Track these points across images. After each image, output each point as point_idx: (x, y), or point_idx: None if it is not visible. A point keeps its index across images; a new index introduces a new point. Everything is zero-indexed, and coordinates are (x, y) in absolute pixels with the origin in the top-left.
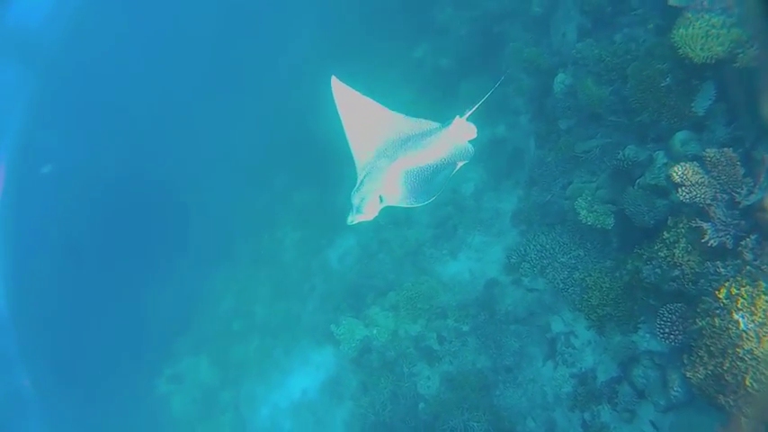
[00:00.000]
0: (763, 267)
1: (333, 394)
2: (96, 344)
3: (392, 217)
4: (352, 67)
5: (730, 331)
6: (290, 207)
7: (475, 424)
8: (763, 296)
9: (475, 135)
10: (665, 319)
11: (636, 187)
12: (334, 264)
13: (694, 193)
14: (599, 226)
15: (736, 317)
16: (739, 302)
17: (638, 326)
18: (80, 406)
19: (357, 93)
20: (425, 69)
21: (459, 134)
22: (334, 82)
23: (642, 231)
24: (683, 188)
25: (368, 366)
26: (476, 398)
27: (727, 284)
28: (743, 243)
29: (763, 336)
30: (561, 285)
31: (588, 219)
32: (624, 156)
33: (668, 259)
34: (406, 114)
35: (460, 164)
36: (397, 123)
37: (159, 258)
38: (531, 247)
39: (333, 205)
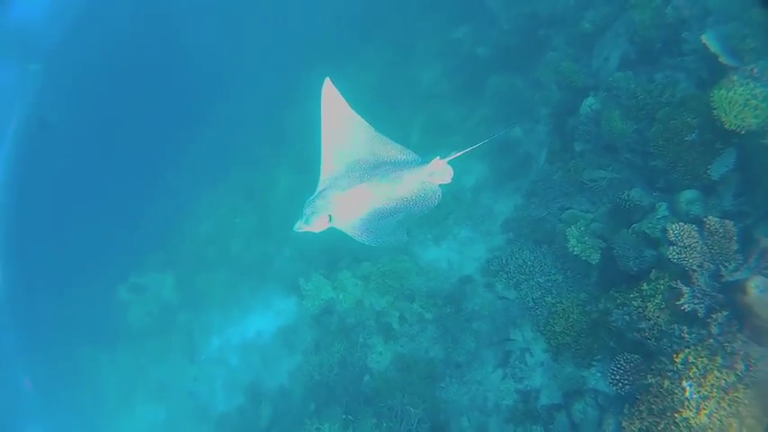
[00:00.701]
0: (724, 344)
1: (285, 344)
2: (71, 243)
3: None
4: (386, 30)
5: (675, 396)
6: (292, 150)
7: (412, 409)
8: (715, 372)
9: (449, 180)
10: (619, 365)
11: (630, 231)
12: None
13: (684, 255)
14: (584, 258)
15: (684, 384)
16: (692, 371)
17: (593, 363)
18: (48, 302)
19: (345, 102)
20: (460, 52)
21: (434, 175)
22: (327, 85)
23: (623, 275)
24: (675, 247)
25: (326, 327)
26: (420, 384)
27: (686, 351)
28: (713, 316)
29: (703, 409)
30: (531, 304)
31: (576, 248)
32: (628, 196)
33: (640, 310)
34: (390, 138)
35: (419, 211)
36: (375, 145)
37: (152, 164)
38: (514, 259)
39: None
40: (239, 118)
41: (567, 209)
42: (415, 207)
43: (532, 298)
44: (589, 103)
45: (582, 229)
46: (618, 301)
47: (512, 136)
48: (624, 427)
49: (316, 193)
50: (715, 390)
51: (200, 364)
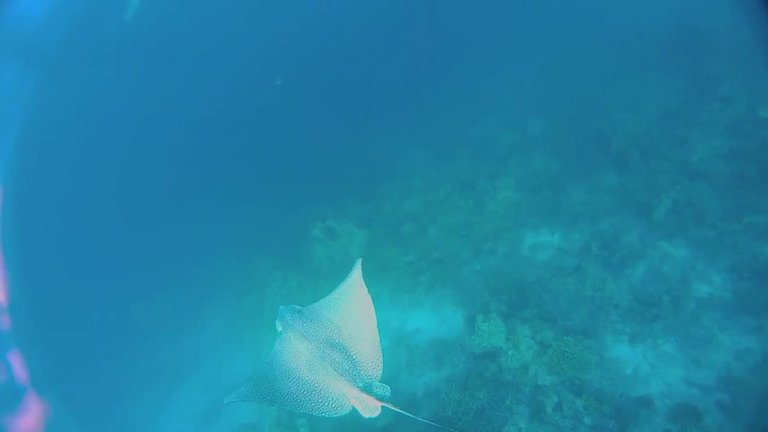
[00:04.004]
0: None
1: (435, 357)
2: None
3: (607, 255)
4: None
5: None
6: None
7: None
8: None
9: (366, 416)
10: None
11: None
12: (525, 251)
13: None
14: None
15: None
16: None
17: None
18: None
19: (365, 289)
20: None
21: (362, 403)
22: (357, 268)
23: None
24: None
25: (481, 370)
26: None
27: None
28: None
29: None
30: None
31: None
32: None
33: None
34: (379, 339)
35: (318, 412)
36: (355, 343)
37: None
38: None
39: None
40: None
41: None
42: (319, 406)
43: None
44: None
45: None
46: None
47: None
48: None
49: (288, 320)
50: None
51: None
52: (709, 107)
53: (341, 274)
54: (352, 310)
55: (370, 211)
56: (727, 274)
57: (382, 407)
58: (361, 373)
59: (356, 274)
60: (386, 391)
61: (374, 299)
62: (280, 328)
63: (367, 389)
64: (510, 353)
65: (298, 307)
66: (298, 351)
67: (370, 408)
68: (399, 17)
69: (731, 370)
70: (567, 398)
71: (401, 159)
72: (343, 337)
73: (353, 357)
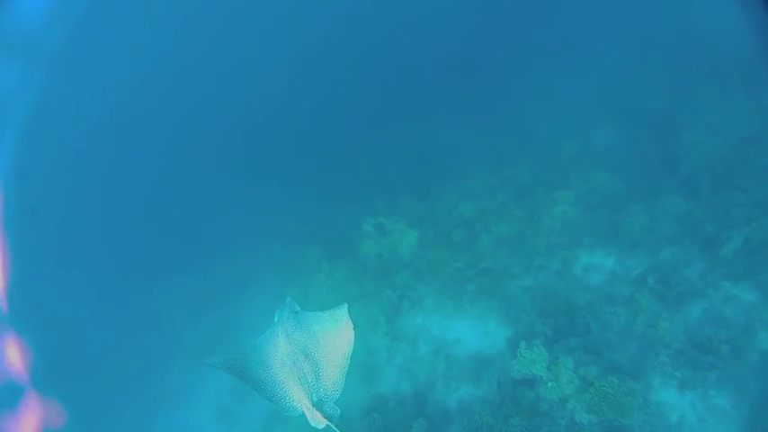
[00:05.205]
0: None
1: (473, 371)
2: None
3: (663, 289)
4: None
5: None
6: None
7: None
8: None
9: (315, 425)
10: None
11: None
12: (577, 272)
13: None
14: None
15: None
16: None
17: None
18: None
19: (351, 325)
20: None
21: (310, 413)
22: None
23: None
24: None
25: (518, 397)
26: None
27: None
28: None
29: None
30: None
31: None
32: None
33: None
34: (344, 372)
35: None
36: (326, 363)
37: None
38: None
39: None
40: None
41: None
42: (277, 400)
43: None
44: None
45: None
46: None
47: None
48: None
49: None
50: None
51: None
52: None
53: (388, 271)
54: (336, 336)
55: (424, 211)
56: None
57: (327, 425)
58: (320, 389)
59: (345, 314)
60: (335, 411)
61: (418, 303)
62: (276, 319)
63: (318, 404)
64: (550, 384)
65: (298, 308)
66: (278, 347)
67: (316, 420)
68: (470, 8)
69: None
70: None
71: (459, 160)
72: (318, 353)
73: (319, 374)
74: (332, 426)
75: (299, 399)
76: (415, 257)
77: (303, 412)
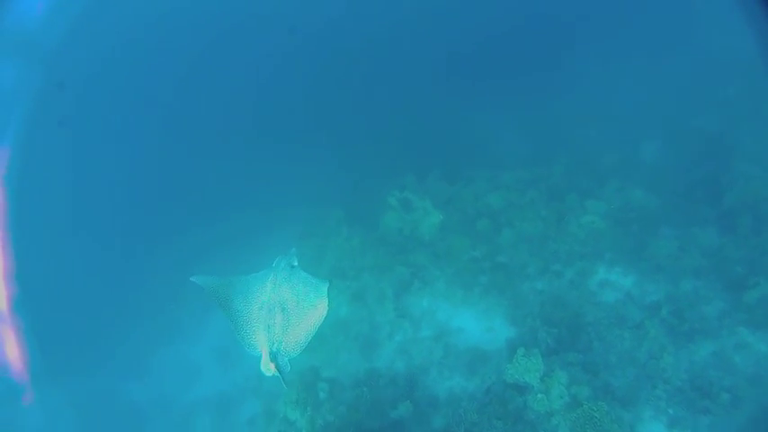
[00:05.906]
0: None
1: (469, 364)
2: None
3: (676, 322)
4: None
5: None
6: None
7: None
8: None
9: (264, 371)
10: None
11: None
12: (592, 285)
13: None
14: None
15: None
16: None
17: None
18: None
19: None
20: None
21: (265, 360)
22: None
23: None
24: None
25: (506, 402)
26: None
27: None
28: None
29: None
30: None
31: None
32: None
33: None
34: (309, 337)
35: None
36: (297, 322)
37: None
38: None
39: None
40: None
41: None
42: (244, 335)
43: None
44: None
45: None
46: None
47: None
48: None
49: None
50: None
51: (401, 307)
52: None
53: (405, 248)
54: (311, 306)
55: (452, 193)
56: None
57: (274, 374)
58: (283, 343)
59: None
60: (286, 367)
61: (429, 284)
62: (274, 264)
63: (275, 355)
64: (539, 396)
65: (295, 262)
66: (264, 289)
67: (267, 367)
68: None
69: None
70: None
71: (496, 148)
72: (293, 311)
73: (287, 329)
74: (280, 377)
75: (261, 342)
76: (435, 239)
77: (260, 354)
